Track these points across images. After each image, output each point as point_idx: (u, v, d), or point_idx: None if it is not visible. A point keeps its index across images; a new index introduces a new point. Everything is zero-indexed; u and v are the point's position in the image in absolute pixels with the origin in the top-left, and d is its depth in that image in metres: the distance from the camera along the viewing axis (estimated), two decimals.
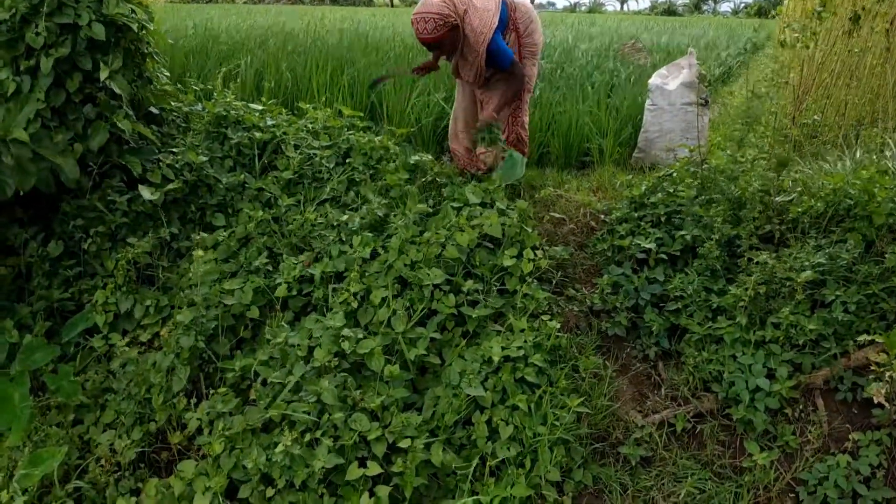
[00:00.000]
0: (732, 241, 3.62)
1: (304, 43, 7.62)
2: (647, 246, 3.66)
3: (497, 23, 3.90)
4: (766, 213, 3.67)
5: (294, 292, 3.48)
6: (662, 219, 3.84)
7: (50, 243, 3.76)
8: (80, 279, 3.77)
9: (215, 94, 4.80)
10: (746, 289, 3.21)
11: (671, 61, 9.19)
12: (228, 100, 4.60)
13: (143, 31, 4.09)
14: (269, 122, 4.52)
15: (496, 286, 3.45)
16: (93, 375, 3.44)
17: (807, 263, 3.22)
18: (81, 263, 3.77)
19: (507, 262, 3.46)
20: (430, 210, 3.75)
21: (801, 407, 2.99)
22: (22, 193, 3.58)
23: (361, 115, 4.75)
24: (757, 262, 3.32)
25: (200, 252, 3.34)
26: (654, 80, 5.48)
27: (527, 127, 4.43)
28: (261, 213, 3.76)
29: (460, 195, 3.79)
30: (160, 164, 3.98)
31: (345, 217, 3.72)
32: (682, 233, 3.69)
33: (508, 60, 3.98)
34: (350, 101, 6.00)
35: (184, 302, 3.50)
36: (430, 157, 4.64)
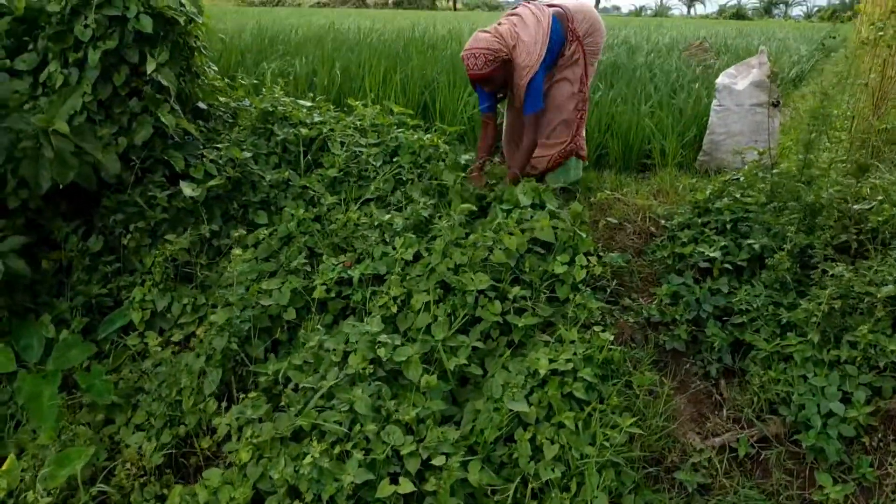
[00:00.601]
0: (805, 252, 3.36)
1: (358, 41, 7.53)
2: (712, 255, 3.42)
3: (545, 53, 3.82)
4: (842, 222, 3.39)
5: (333, 294, 3.35)
6: (728, 226, 3.59)
7: (90, 238, 3.72)
8: (119, 275, 3.72)
9: (264, 89, 4.72)
10: (820, 303, 2.95)
11: (738, 60, 8.85)
12: (276, 95, 4.51)
13: (192, 25, 4.02)
14: (317, 119, 4.42)
15: (546, 294, 3.25)
16: (127, 374, 3.38)
17: (889, 277, 2.94)
18: (121, 259, 3.72)
19: (559, 269, 3.26)
20: (477, 210, 3.57)
21: (879, 436, 2.71)
22: (61, 187, 3.54)
23: (412, 112, 4.60)
24: (832, 275, 3.05)
25: (238, 251, 3.23)
26: (721, 79, 5.20)
27: (583, 133, 4.24)
28: (303, 211, 3.64)
29: (510, 196, 3.61)
30: (204, 159, 3.90)
31: (387, 217, 3.57)
32: (750, 241, 3.44)
33: (532, 108, 3.89)
34: (402, 98, 5.87)
35: (221, 301, 3.41)
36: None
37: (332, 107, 4.69)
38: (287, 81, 6.25)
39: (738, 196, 3.72)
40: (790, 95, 9.06)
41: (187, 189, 3.69)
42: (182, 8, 3.95)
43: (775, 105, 5.01)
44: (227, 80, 5.30)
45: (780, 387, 2.88)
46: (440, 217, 3.58)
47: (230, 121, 4.43)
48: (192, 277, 3.68)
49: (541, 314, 3.13)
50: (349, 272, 3.35)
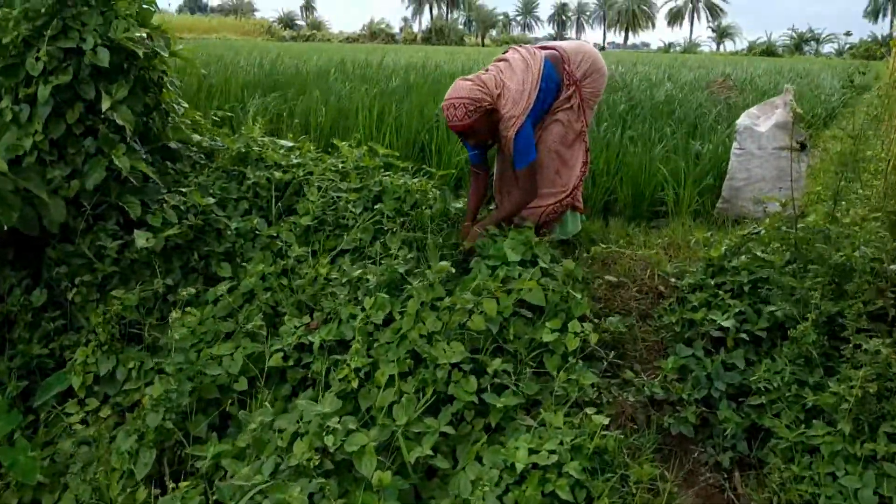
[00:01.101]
0: (833, 320, 2.93)
1: (358, 77, 7.25)
2: (725, 323, 3.00)
3: (533, 103, 3.51)
4: (876, 286, 2.95)
5: (291, 362, 2.97)
6: (746, 288, 3.17)
7: (34, 291, 3.39)
8: (64, 333, 3.39)
9: (243, 128, 4.42)
10: (852, 385, 2.51)
11: (763, 98, 8.47)
12: (253, 135, 4.20)
13: (156, 59, 3.73)
14: (294, 161, 4.08)
15: (532, 367, 2.85)
16: (63, 447, 3.02)
17: None
18: (67, 316, 3.38)
19: (548, 337, 2.87)
20: (457, 269, 3.18)
21: None
22: (5, 228, 3.23)
23: (397, 154, 4.25)
24: (866, 351, 2.61)
25: (177, 314, 2.87)
26: (742, 120, 4.81)
27: (581, 187, 3.87)
28: (261, 266, 3.29)
29: (496, 250, 3.23)
30: (164, 205, 3.57)
31: (358, 273, 3.20)
32: (771, 308, 3.02)
33: (523, 162, 3.54)
34: (397, 138, 5.53)
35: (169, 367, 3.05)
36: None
37: (312, 147, 4.35)
38: (280, 119, 5.97)
39: (757, 253, 3.31)
40: (819, 136, 8.63)
41: (140, 239, 3.35)
42: (149, 41, 3.65)
43: (802, 147, 4.60)
44: (214, 116, 5.02)
45: (804, 486, 2.45)
46: (420, 273, 3.20)
47: (202, 161, 4.11)
48: (142, 338, 3.33)
49: (524, 392, 2.73)
50: (311, 337, 2.98)
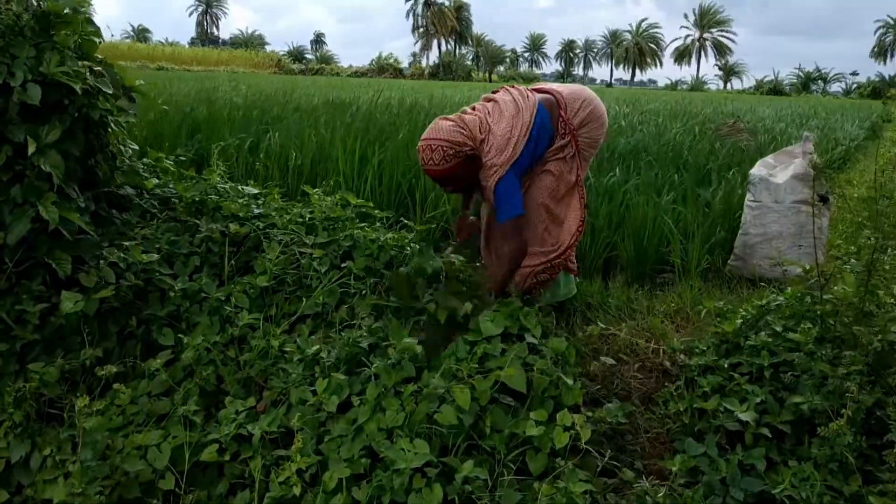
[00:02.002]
0: (871, 414, 2.49)
1: (341, 115, 6.89)
2: (743, 417, 2.55)
3: (520, 152, 3.16)
4: None
5: (228, 456, 2.53)
6: (766, 373, 2.73)
7: None
8: None
9: (205, 172, 4.03)
10: None
11: (776, 145, 8.09)
12: (212, 180, 3.81)
13: (101, 97, 3.35)
14: (256, 211, 3.68)
15: (512, 469, 2.41)
16: None
17: None
18: None
19: (532, 431, 2.43)
20: (418, 347, 2.74)
21: None
22: None
23: (370, 204, 3.85)
24: None
25: (83, 401, 2.43)
26: (757, 170, 4.41)
27: (575, 247, 3.49)
28: (200, 339, 2.86)
29: (474, 324, 2.80)
30: (101, 262, 3.16)
31: (314, 348, 2.78)
32: (796, 399, 2.58)
33: (507, 214, 3.18)
34: (379, 182, 5.13)
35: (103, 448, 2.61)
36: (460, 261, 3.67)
37: (278, 195, 3.95)
38: (257, 158, 5.59)
39: (778, 330, 2.87)
40: (835, 181, 8.24)
41: (67, 303, 2.94)
42: (87, 75, 3.27)
43: (824, 201, 4.19)
44: (181, 157, 4.64)
45: None
46: (382, 349, 2.78)
47: (154, 211, 3.70)
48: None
49: (501, 503, 2.28)
50: (250, 427, 2.54)
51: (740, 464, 2.49)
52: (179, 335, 3.09)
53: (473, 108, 3.32)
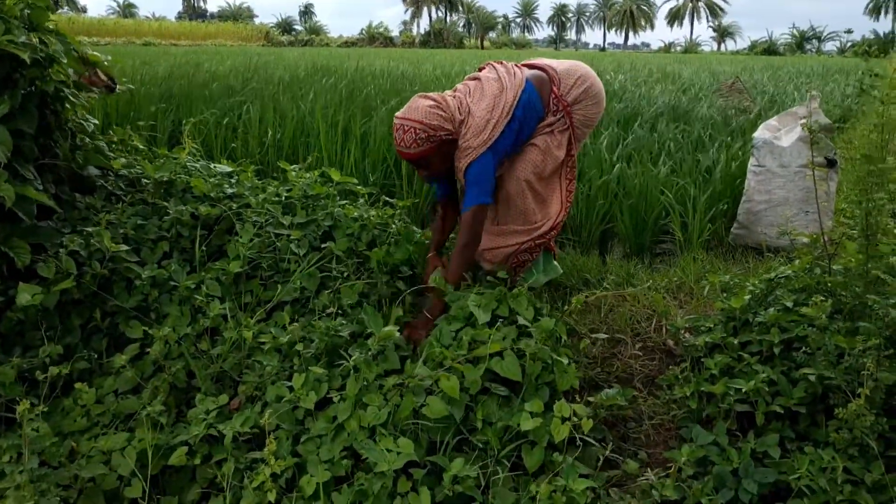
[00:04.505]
0: (893, 393, 2.32)
1: (329, 86, 6.64)
2: (751, 392, 2.39)
3: (498, 134, 2.95)
4: None
5: (199, 459, 2.35)
6: (776, 349, 2.55)
7: None
8: None
9: (175, 150, 3.82)
10: None
11: (775, 107, 7.87)
12: (180, 159, 3.59)
13: (54, 68, 3.12)
14: (228, 191, 3.46)
15: (506, 465, 2.23)
16: None
17: None
18: None
19: (527, 424, 2.25)
20: (395, 332, 2.55)
21: None
22: None
23: (355, 180, 3.63)
24: None
25: (23, 405, 2.23)
26: (760, 133, 4.21)
27: (559, 228, 3.29)
28: (166, 329, 2.67)
29: (457, 308, 2.62)
30: (62, 251, 2.95)
31: (287, 338, 2.59)
32: (807, 371, 2.40)
33: (472, 200, 2.95)
34: (363, 156, 4.91)
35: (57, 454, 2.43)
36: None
37: (252, 173, 3.73)
38: (235, 135, 5.36)
39: (789, 305, 2.69)
40: (835, 141, 8.04)
41: (24, 295, 2.74)
42: (43, 46, 3.05)
43: (831, 164, 4.00)
44: (150, 133, 4.42)
45: None
46: (363, 340, 2.59)
47: (120, 193, 3.49)
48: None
49: None
50: (222, 427, 2.36)
51: (753, 453, 2.32)
52: (147, 327, 2.90)
53: (456, 90, 3.11)
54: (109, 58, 3.94)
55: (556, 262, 3.48)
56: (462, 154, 2.93)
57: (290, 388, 2.45)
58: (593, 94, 3.17)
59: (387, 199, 3.64)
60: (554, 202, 3.17)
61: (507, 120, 2.95)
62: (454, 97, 3.03)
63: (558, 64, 3.24)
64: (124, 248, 3.05)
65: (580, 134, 3.22)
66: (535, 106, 3.06)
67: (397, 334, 2.52)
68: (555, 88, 3.12)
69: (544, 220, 3.15)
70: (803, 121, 4.09)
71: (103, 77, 3.79)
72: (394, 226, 3.43)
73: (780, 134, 4.20)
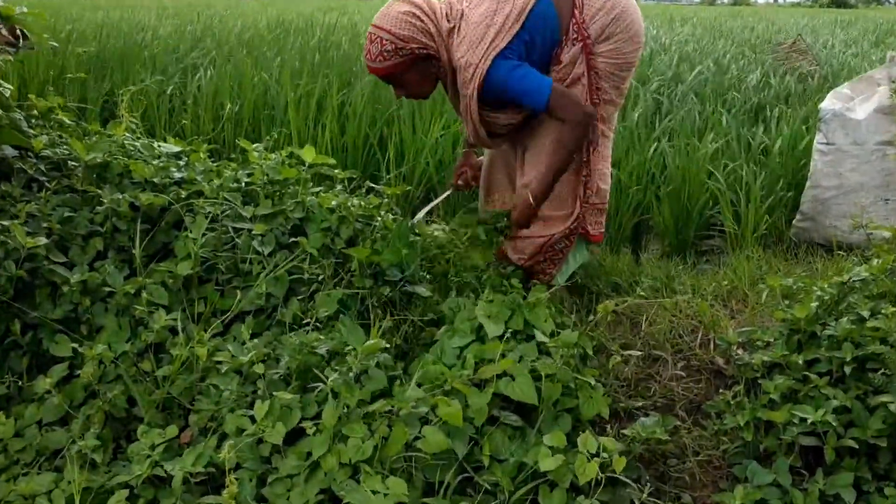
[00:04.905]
0: None
1: (295, 46, 6.68)
2: (819, 423, 2.43)
3: (504, 45, 2.92)
4: None
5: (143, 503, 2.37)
6: (847, 369, 2.59)
7: None
8: None
9: (110, 126, 3.84)
10: None
11: (845, 75, 7.94)
12: (117, 136, 3.61)
13: None
14: (177, 176, 3.48)
15: None
16: None
17: None
18: None
19: (546, 463, 2.27)
20: (385, 345, 2.59)
21: None
22: None
23: (332, 161, 3.66)
24: None
25: None
26: (829, 103, 4.28)
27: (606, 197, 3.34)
28: (99, 347, 2.69)
29: (463, 319, 2.65)
30: None
31: (249, 356, 2.61)
32: (884, 399, 2.45)
33: (542, 98, 2.96)
34: (342, 134, 4.94)
35: None
36: (444, 233, 3.51)
37: (204, 154, 3.75)
38: (184, 108, 5.39)
39: (864, 315, 2.72)
40: None
41: None
42: None
43: None
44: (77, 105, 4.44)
45: None
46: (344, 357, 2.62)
47: (42, 179, 3.51)
48: None
49: None
50: (169, 467, 2.38)
51: (821, 495, 2.35)
52: (78, 344, 2.92)
53: None
54: (24, 8, 3.95)
55: (585, 249, 3.50)
56: (466, 76, 2.93)
57: (253, 418, 2.47)
58: (626, 26, 3.09)
59: (371, 184, 3.66)
60: (579, 176, 3.20)
61: (519, 28, 2.92)
62: (446, 2, 3.04)
63: None
64: (42, 241, 3.06)
65: (612, 84, 3.16)
66: (551, 22, 3.01)
67: (383, 349, 2.54)
68: (576, 12, 3.05)
69: (572, 202, 3.19)
70: (883, 87, 4.14)
71: (4, 32, 3.80)
72: (380, 218, 3.45)
73: (854, 104, 4.25)
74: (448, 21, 2.97)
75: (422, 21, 2.92)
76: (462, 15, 2.97)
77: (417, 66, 2.96)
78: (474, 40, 2.91)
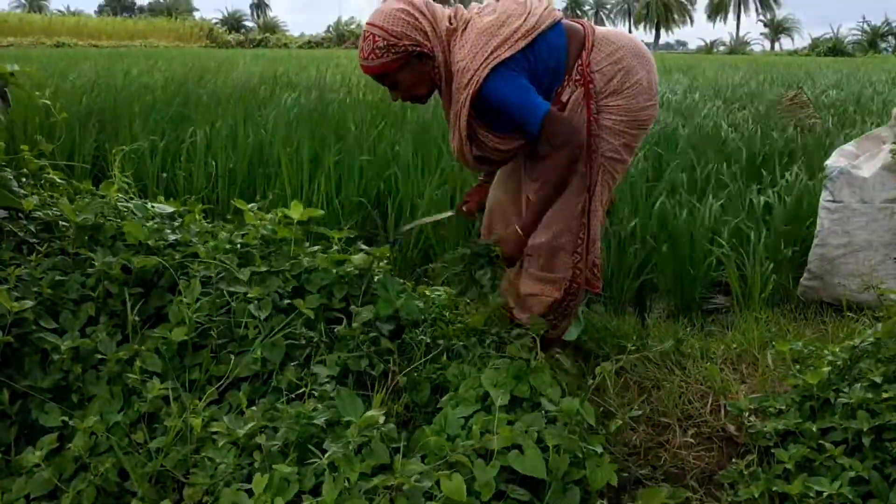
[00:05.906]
0: None
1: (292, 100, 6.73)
2: (834, 497, 2.41)
3: (508, 56, 2.87)
4: None
5: None
6: (865, 440, 2.57)
7: None
8: None
9: (103, 186, 3.85)
10: None
11: (845, 123, 8.01)
12: (109, 197, 3.62)
13: None
14: (171, 238, 3.48)
15: None
16: None
17: None
18: None
19: None
20: (380, 419, 2.57)
21: None
22: None
23: (321, 212, 3.68)
24: None
25: None
26: (835, 160, 4.31)
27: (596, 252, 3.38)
28: (91, 420, 2.67)
29: (468, 387, 2.64)
30: None
31: (247, 428, 2.59)
32: None
33: (537, 117, 2.91)
34: (337, 191, 4.96)
35: None
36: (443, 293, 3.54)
37: (199, 215, 3.76)
38: (177, 164, 5.42)
39: (877, 381, 2.72)
40: None
41: None
42: None
43: None
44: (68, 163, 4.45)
45: None
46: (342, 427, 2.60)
47: (33, 241, 3.51)
48: None
49: None
50: None
51: None
52: (68, 414, 2.90)
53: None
54: (16, 67, 3.97)
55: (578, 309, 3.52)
56: (462, 82, 2.89)
57: (250, 492, 2.44)
58: (635, 81, 3.06)
59: (363, 247, 3.66)
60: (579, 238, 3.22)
61: (527, 44, 2.88)
62: (454, 5, 3.04)
63: (601, 30, 3.14)
64: (28, 303, 3.04)
65: (620, 143, 3.12)
66: (556, 56, 2.99)
67: (382, 419, 2.52)
68: (584, 53, 3.04)
69: (573, 259, 3.22)
70: (888, 145, 4.17)
71: None
72: (377, 276, 3.46)
73: (860, 161, 4.28)
74: (450, 23, 2.95)
75: (416, 18, 2.89)
76: (468, 21, 2.95)
77: (411, 66, 2.93)
78: (477, 46, 2.88)
